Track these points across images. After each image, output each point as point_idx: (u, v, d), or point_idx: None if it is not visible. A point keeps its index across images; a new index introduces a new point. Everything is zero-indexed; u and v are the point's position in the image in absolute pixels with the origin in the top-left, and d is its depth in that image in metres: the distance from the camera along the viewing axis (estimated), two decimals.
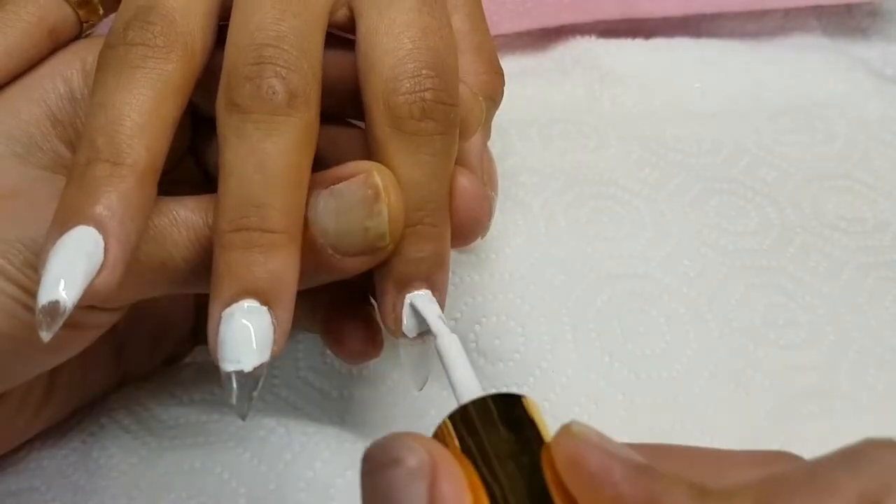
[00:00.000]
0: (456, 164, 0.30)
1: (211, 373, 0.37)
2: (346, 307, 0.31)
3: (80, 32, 0.32)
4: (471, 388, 0.25)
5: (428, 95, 0.28)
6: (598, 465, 0.21)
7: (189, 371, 0.37)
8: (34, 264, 0.27)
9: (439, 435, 0.24)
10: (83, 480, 0.33)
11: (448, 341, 0.27)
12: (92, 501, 0.33)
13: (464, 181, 0.30)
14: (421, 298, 0.28)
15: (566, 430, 0.22)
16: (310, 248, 0.27)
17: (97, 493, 0.33)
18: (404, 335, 0.28)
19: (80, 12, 0.31)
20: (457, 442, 0.23)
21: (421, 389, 0.29)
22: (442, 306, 0.29)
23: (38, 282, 0.26)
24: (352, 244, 0.27)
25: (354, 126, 0.32)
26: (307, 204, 0.27)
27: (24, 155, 0.29)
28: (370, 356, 0.31)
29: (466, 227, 0.30)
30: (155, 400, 0.36)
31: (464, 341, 0.36)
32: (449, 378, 0.26)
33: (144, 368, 0.36)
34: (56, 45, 0.31)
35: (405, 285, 0.28)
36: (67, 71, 0.30)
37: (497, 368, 0.36)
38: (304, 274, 0.27)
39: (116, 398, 0.36)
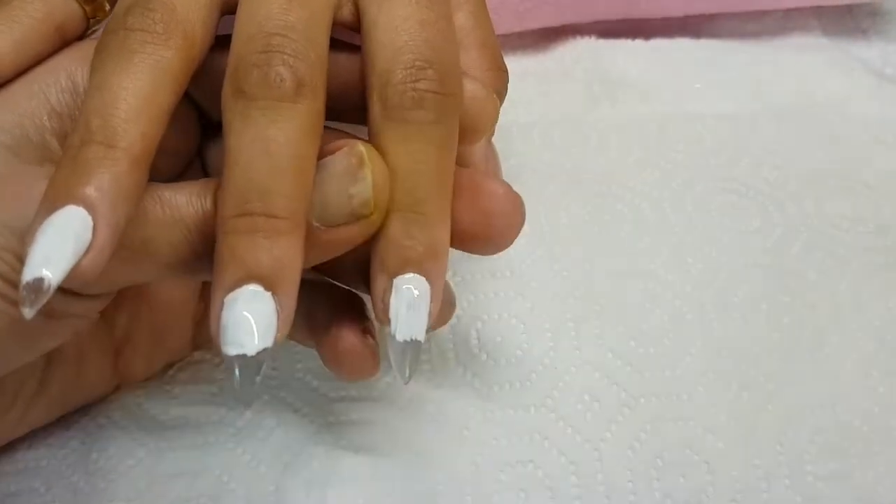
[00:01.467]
0: (460, 163, 0.30)
1: (210, 374, 0.37)
2: (342, 324, 0.31)
3: (87, 28, 0.32)
4: None
5: (420, 85, 0.27)
6: None
7: (188, 373, 0.37)
8: (14, 250, 0.27)
9: None
10: (82, 481, 0.34)
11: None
12: (91, 502, 0.33)
13: (496, 186, 0.29)
14: (416, 300, 0.28)
15: None
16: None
17: (96, 494, 0.33)
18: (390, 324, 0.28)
19: (87, 8, 0.31)
20: None
21: (407, 383, 0.29)
22: (437, 302, 0.28)
23: (15, 268, 0.26)
24: (336, 213, 0.27)
25: (357, 137, 0.32)
26: None
27: (13, 147, 0.29)
28: (368, 373, 0.31)
29: (499, 232, 0.30)
30: (154, 401, 0.36)
31: (465, 339, 0.36)
32: None
33: (142, 375, 0.36)
34: (64, 41, 0.31)
35: (395, 271, 0.27)
36: (72, 66, 0.30)
37: (499, 365, 0.36)
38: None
39: (115, 399, 0.36)
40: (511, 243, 0.30)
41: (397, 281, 0.27)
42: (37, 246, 0.24)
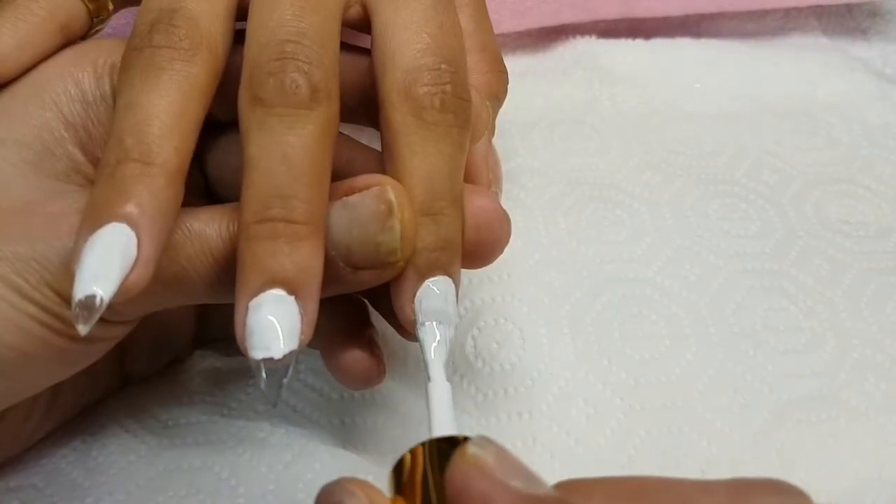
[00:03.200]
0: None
1: (211, 374, 0.37)
2: (347, 334, 0.31)
3: (90, 27, 0.32)
4: (445, 429, 0.25)
5: (448, 89, 0.28)
6: (479, 499, 0.21)
7: (190, 372, 0.37)
8: (49, 282, 0.27)
9: (401, 465, 0.24)
10: (81, 478, 0.34)
11: (440, 388, 0.27)
12: (90, 498, 0.33)
13: (485, 200, 0.30)
14: (436, 331, 0.28)
15: (461, 452, 0.22)
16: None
17: (95, 489, 0.33)
18: (421, 325, 0.28)
19: (91, 7, 0.32)
20: (417, 474, 0.23)
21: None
22: (457, 298, 0.29)
23: (53, 299, 0.27)
24: (362, 258, 0.27)
25: (371, 148, 0.32)
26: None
27: (37, 162, 0.29)
28: (373, 382, 0.31)
29: (486, 247, 0.30)
30: (155, 400, 0.36)
31: (461, 345, 0.36)
32: (430, 421, 0.26)
33: (146, 372, 0.37)
34: (67, 39, 0.31)
35: (426, 273, 0.28)
36: (78, 73, 0.30)
37: (495, 372, 0.36)
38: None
39: (117, 399, 0.36)
40: (495, 258, 0.31)
41: (427, 283, 0.28)
42: (84, 264, 0.24)
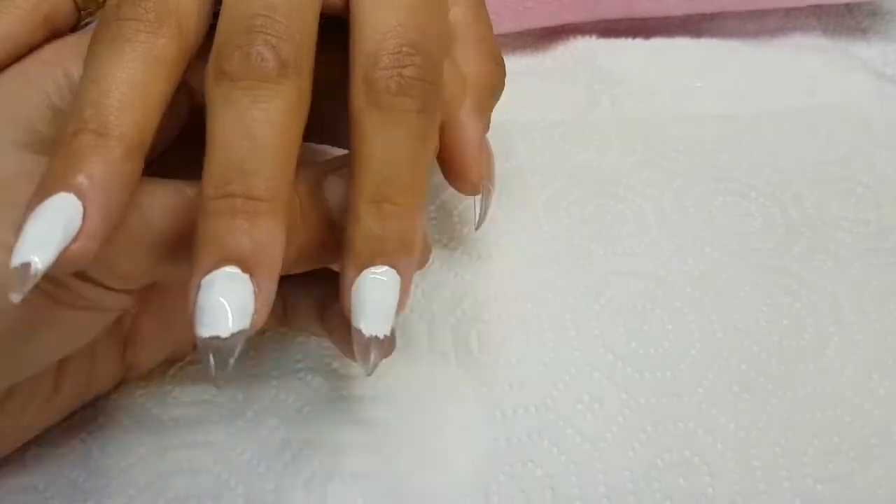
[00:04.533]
0: (454, 154, 0.30)
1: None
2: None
3: (78, 20, 0.32)
4: None
5: (407, 72, 0.27)
6: None
7: (188, 371, 0.37)
8: None
9: None
10: (82, 479, 0.33)
11: None
12: (90, 500, 0.33)
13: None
14: (384, 294, 0.27)
15: None
16: (324, 227, 0.28)
17: (96, 492, 0.33)
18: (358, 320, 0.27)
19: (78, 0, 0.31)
20: None
21: (369, 374, 0.28)
22: (406, 296, 0.28)
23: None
24: None
25: None
26: (322, 187, 0.27)
27: (25, 142, 0.29)
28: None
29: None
30: (154, 400, 0.36)
31: (466, 340, 0.36)
32: None
33: (146, 366, 0.36)
34: (52, 31, 0.31)
35: (364, 263, 0.27)
36: (68, 63, 0.29)
37: (499, 366, 0.36)
38: (319, 253, 0.28)
39: (116, 399, 0.36)
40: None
41: (367, 273, 0.27)
42: (25, 232, 0.24)
